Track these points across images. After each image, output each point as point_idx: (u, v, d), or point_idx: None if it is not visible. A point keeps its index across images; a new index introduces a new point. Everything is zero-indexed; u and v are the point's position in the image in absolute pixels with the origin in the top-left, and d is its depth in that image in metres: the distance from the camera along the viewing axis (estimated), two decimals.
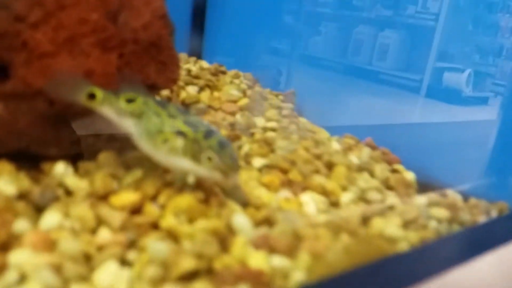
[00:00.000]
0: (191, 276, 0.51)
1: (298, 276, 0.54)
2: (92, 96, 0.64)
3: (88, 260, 0.51)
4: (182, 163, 0.61)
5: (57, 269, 0.47)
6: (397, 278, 0.45)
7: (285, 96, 1.37)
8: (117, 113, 0.65)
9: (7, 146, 0.64)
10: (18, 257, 0.48)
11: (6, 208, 0.54)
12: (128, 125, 0.65)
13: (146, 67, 0.72)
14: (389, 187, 0.88)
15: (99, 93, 0.64)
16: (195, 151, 0.60)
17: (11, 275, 0.46)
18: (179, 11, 1.66)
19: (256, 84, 1.46)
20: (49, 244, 0.51)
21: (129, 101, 0.64)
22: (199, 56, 1.65)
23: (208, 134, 0.61)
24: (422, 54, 3.12)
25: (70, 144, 0.69)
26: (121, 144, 0.72)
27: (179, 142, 0.61)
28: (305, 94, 1.35)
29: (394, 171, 0.96)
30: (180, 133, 0.61)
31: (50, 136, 0.66)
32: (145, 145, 0.63)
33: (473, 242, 0.56)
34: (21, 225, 0.52)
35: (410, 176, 0.94)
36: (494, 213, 0.81)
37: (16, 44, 0.61)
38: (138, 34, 0.70)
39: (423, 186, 0.93)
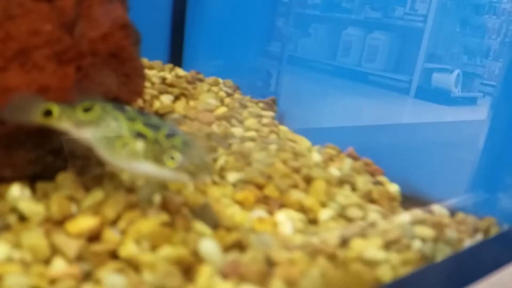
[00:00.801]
0: None
1: None
2: (48, 113, 0.61)
3: None
4: (145, 167, 0.58)
5: None
6: None
7: (265, 103, 1.34)
8: (76, 125, 0.61)
9: None
10: None
11: None
12: (88, 135, 0.61)
13: (107, 79, 0.69)
14: (372, 201, 0.85)
15: (55, 108, 0.61)
16: (156, 153, 0.57)
17: None
18: (158, 17, 1.64)
19: (236, 91, 1.44)
20: None
21: (86, 110, 0.61)
22: (179, 63, 1.63)
23: (171, 134, 0.58)
24: (411, 55, 3.17)
25: (27, 163, 0.65)
26: (83, 162, 0.69)
27: (139, 144, 0.57)
28: (291, 98, 1.33)
29: (377, 183, 0.93)
30: (140, 135, 0.58)
31: (2, 157, 0.63)
32: (105, 152, 0.60)
33: (461, 271, 0.53)
34: None
35: (394, 188, 0.91)
36: (481, 230, 0.78)
37: None
38: (96, 46, 0.67)
39: (408, 199, 0.90)
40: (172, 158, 0.56)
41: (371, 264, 0.63)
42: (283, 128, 1.22)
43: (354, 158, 1.03)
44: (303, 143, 1.12)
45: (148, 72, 1.28)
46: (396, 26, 3.43)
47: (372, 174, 0.97)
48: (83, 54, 0.66)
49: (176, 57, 1.65)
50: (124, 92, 0.71)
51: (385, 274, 0.61)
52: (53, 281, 0.50)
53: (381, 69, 3.33)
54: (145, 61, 1.35)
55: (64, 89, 0.63)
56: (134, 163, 0.58)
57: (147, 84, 1.19)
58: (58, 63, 0.63)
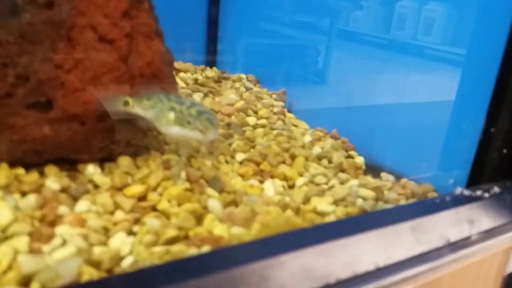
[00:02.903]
0: (173, 240, 0.72)
1: (248, 239, 0.74)
2: (126, 103, 0.85)
3: (106, 232, 0.72)
4: (174, 130, 0.81)
5: (85, 237, 0.68)
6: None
7: (277, 95, 1.55)
8: (143, 108, 0.86)
9: (52, 155, 0.85)
10: (61, 230, 0.69)
11: (53, 199, 0.75)
12: (150, 115, 0.85)
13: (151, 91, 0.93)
14: (342, 170, 1.07)
15: (130, 100, 0.85)
16: (180, 119, 0.80)
17: (57, 241, 0.67)
18: (196, 25, 1.85)
19: (256, 85, 1.66)
20: (81, 222, 0.72)
21: (148, 99, 0.85)
22: (215, 59, 1.85)
23: (190, 107, 0.80)
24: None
25: (98, 150, 0.89)
26: (135, 149, 0.94)
27: (171, 115, 0.81)
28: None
29: (348, 156, 1.16)
30: (172, 109, 0.81)
31: (83, 146, 0.87)
32: (157, 125, 0.84)
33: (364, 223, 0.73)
34: (63, 209, 0.74)
35: (360, 160, 1.13)
36: (418, 195, 0.98)
37: (57, 84, 0.82)
38: (143, 70, 0.90)
39: (371, 168, 1.12)
40: (189, 122, 0.80)
41: (322, 214, 0.86)
42: (289, 115, 1.44)
43: (335, 138, 1.24)
44: (302, 126, 1.34)
45: (184, 75, 1.52)
46: None
47: (346, 150, 1.19)
48: (134, 76, 0.90)
49: (211, 59, 1.87)
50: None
51: (331, 220, 0.84)
52: (115, 223, 0.74)
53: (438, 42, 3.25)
54: (181, 64, 1.58)
55: None
56: (170, 128, 0.81)
57: (183, 84, 1.43)
58: (117, 83, 0.88)
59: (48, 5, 0.81)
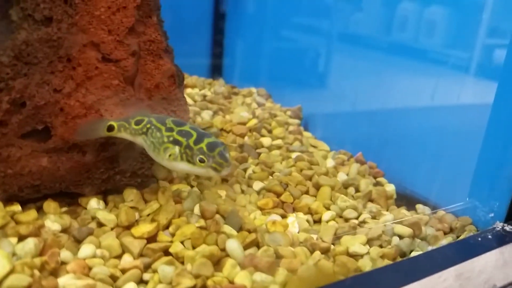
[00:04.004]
0: None
1: (274, 287, 0.70)
2: (110, 128, 0.81)
3: (114, 281, 0.69)
4: (181, 166, 0.76)
5: None
6: None
7: (292, 111, 1.52)
8: (131, 134, 0.81)
9: (51, 189, 0.82)
10: (65, 281, 0.65)
11: (54, 242, 0.71)
12: (140, 141, 0.81)
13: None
14: (371, 200, 1.04)
15: (115, 124, 0.81)
16: (189, 156, 0.75)
17: None
18: (201, 36, 1.83)
19: (268, 100, 1.62)
20: (86, 269, 0.69)
21: (138, 122, 0.81)
22: (220, 71, 1.83)
23: (198, 140, 0.76)
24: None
25: (101, 182, 0.86)
26: (141, 179, 0.90)
27: (176, 150, 0.77)
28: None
29: (377, 184, 1.12)
30: (177, 142, 0.76)
31: (84, 178, 0.84)
32: (153, 155, 0.79)
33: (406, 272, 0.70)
34: (65, 255, 0.70)
35: (390, 188, 1.10)
36: (457, 229, 0.95)
37: (56, 110, 0.79)
38: (151, 92, 0.87)
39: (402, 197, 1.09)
40: (200, 159, 0.75)
41: (355, 256, 0.82)
42: (306, 134, 1.40)
43: (361, 162, 1.21)
44: (323, 147, 1.31)
45: (191, 91, 1.49)
46: None
47: (374, 176, 1.16)
48: (142, 99, 0.87)
49: (216, 70, 1.85)
50: None
51: (365, 264, 0.80)
52: (123, 270, 0.71)
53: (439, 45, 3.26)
54: (187, 78, 1.55)
55: None
56: (174, 163, 0.77)
57: (191, 101, 1.39)
58: (123, 108, 0.84)
59: (46, 21, 0.77)
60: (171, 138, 0.77)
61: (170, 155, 0.76)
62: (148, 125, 0.80)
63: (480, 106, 1.01)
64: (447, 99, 1.13)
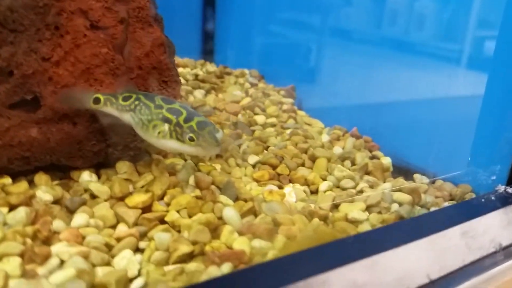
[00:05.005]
0: (188, 257, 0.67)
1: (273, 254, 0.69)
2: (96, 101, 0.79)
3: (109, 249, 0.67)
4: (170, 144, 0.75)
5: (86, 256, 0.63)
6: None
7: (286, 91, 1.50)
8: (118, 110, 0.79)
9: (42, 161, 0.80)
10: (57, 248, 0.63)
11: (45, 212, 0.70)
12: (127, 118, 0.79)
13: (150, 86, 0.88)
14: (367, 173, 1.02)
15: (101, 97, 0.78)
16: (178, 134, 0.74)
17: (53, 261, 0.61)
18: (190, 18, 1.81)
19: (261, 81, 1.61)
20: (79, 238, 0.67)
21: (125, 99, 0.79)
22: (211, 55, 1.80)
23: (188, 118, 0.74)
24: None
25: (93, 155, 0.84)
26: (134, 152, 0.88)
27: (166, 127, 0.75)
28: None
29: (373, 157, 1.11)
30: (166, 120, 0.75)
31: (75, 150, 0.82)
32: (141, 133, 0.78)
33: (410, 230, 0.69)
34: (57, 224, 0.68)
35: (386, 160, 1.08)
36: (457, 196, 0.94)
37: (44, 79, 0.77)
38: (141, 61, 0.85)
39: (399, 170, 1.08)
40: (190, 138, 0.74)
41: (355, 222, 0.81)
42: (300, 113, 1.38)
43: (356, 137, 1.19)
44: (317, 125, 1.29)
45: (183, 70, 1.46)
46: None
47: (370, 150, 1.14)
48: (131, 68, 0.85)
49: (208, 51, 1.82)
50: (164, 95, 0.89)
51: (365, 229, 0.79)
52: (118, 239, 0.69)
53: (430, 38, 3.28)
54: (178, 59, 1.53)
55: None
56: (163, 141, 0.75)
57: (182, 81, 1.37)
58: (113, 77, 0.82)
59: None
60: (160, 116, 0.75)
61: (159, 133, 0.74)
62: (137, 102, 0.78)
63: (477, 73, 1.00)
64: (443, 72, 1.13)
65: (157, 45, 0.87)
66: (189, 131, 0.73)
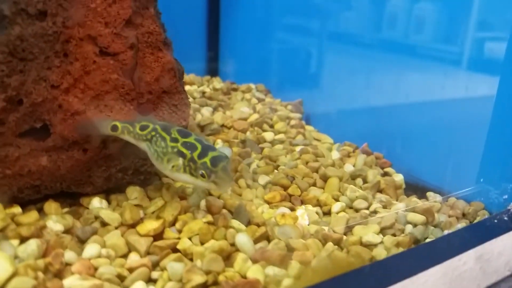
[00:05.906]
0: None
1: (288, 282, 0.68)
2: (114, 128, 0.79)
3: (122, 280, 0.66)
4: (183, 177, 0.75)
5: None
6: None
7: (293, 105, 1.49)
8: (134, 138, 0.80)
9: (52, 189, 0.79)
10: (70, 282, 0.63)
11: (57, 243, 0.69)
12: (143, 147, 0.80)
13: (161, 111, 0.87)
14: (380, 190, 1.02)
15: (119, 125, 0.79)
16: (192, 169, 0.74)
17: None
18: (194, 32, 1.80)
19: (267, 95, 1.60)
20: (91, 270, 0.66)
21: (143, 128, 0.79)
22: (217, 69, 1.80)
23: (203, 153, 0.74)
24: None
25: (103, 180, 0.84)
26: (144, 177, 0.88)
27: (180, 162, 0.75)
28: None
29: (385, 174, 1.10)
30: (181, 154, 0.75)
31: (85, 177, 0.82)
32: (156, 163, 0.78)
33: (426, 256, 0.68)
34: (69, 256, 0.68)
35: (399, 178, 1.07)
36: (470, 214, 0.93)
37: (54, 107, 0.77)
38: (151, 86, 0.85)
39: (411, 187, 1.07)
40: (202, 174, 0.74)
41: (369, 246, 0.80)
42: (309, 128, 1.38)
43: (367, 153, 1.18)
44: (326, 140, 1.28)
45: (190, 88, 1.46)
46: None
47: (381, 166, 1.14)
48: (142, 94, 0.84)
49: (212, 67, 1.82)
50: (174, 119, 0.88)
51: (380, 254, 0.78)
52: (130, 269, 0.68)
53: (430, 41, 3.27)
54: (185, 77, 1.52)
55: None
56: (176, 174, 0.75)
57: (190, 99, 1.36)
58: (123, 102, 0.82)
59: (40, 15, 0.75)
60: (175, 149, 0.75)
61: (173, 166, 0.75)
62: (153, 133, 0.78)
63: (486, 91, 1.00)
64: (453, 89, 1.12)
65: (167, 70, 0.86)
66: (202, 167, 0.73)
